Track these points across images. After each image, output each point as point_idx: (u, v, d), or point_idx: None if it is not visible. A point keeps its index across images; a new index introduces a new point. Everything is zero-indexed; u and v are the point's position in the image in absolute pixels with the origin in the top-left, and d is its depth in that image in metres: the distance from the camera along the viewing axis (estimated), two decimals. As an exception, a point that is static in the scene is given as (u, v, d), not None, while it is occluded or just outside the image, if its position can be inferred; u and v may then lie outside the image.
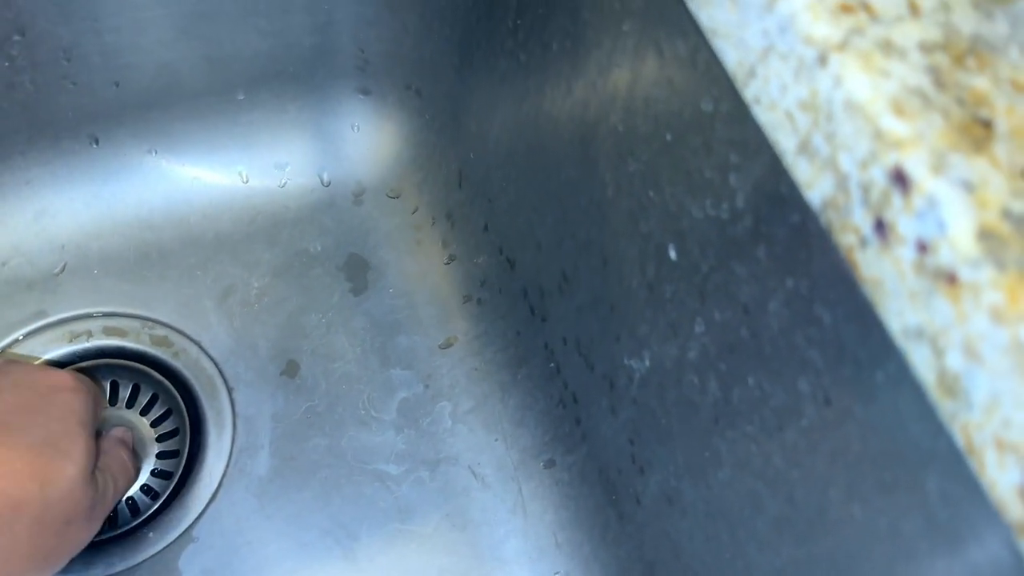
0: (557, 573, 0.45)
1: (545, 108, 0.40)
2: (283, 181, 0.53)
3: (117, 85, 0.48)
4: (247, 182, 0.53)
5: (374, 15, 0.49)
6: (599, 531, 0.43)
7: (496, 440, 0.48)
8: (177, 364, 0.48)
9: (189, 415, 0.47)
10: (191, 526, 0.44)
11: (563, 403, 0.45)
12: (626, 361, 0.38)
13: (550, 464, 0.46)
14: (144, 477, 0.46)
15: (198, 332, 0.49)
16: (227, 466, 0.46)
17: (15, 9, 0.43)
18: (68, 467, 0.35)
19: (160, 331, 0.49)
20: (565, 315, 0.43)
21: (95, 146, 0.50)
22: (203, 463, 0.46)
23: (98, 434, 0.40)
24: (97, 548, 0.43)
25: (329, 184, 0.54)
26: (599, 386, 0.41)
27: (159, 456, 0.46)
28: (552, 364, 0.45)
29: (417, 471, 0.47)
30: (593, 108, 0.35)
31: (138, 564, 0.43)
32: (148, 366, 0.48)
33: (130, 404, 0.47)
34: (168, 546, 0.44)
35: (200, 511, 0.45)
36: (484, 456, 0.48)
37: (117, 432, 0.43)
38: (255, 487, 0.46)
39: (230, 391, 0.48)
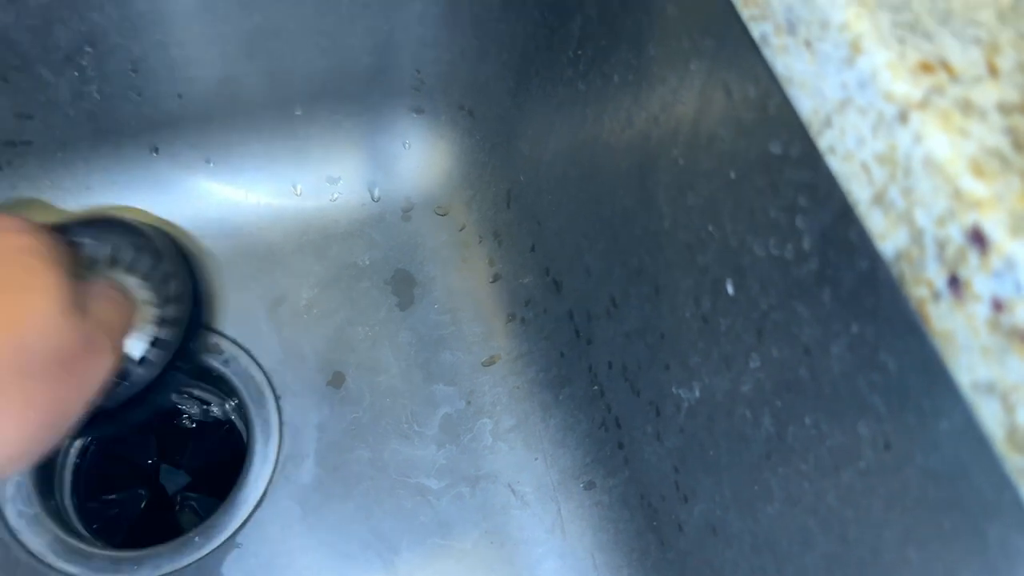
0: (593, 594, 0.45)
1: (603, 138, 0.40)
2: (335, 195, 0.54)
3: (180, 97, 0.49)
4: (300, 195, 0.54)
5: (433, 37, 0.50)
6: (638, 556, 0.43)
7: (536, 459, 0.49)
8: (227, 371, 0.49)
9: (239, 419, 0.48)
10: (236, 532, 0.45)
11: (605, 426, 0.46)
12: (675, 390, 0.38)
13: (590, 486, 0.47)
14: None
15: (248, 340, 0.50)
16: (272, 473, 0.47)
17: (88, 23, 0.44)
18: (36, 301, 0.29)
19: (212, 338, 0.50)
20: (612, 339, 0.44)
21: (155, 155, 0.51)
22: (249, 469, 0.47)
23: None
24: (147, 550, 0.44)
25: (379, 200, 0.55)
26: (644, 412, 0.41)
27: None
28: (596, 387, 0.46)
29: (457, 487, 0.48)
30: (654, 141, 0.36)
31: (184, 567, 0.44)
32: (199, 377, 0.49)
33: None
34: (213, 551, 0.45)
35: (245, 517, 0.46)
36: (524, 474, 0.48)
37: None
38: (299, 496, 0.47)
39: (277, 399, 0.49)
